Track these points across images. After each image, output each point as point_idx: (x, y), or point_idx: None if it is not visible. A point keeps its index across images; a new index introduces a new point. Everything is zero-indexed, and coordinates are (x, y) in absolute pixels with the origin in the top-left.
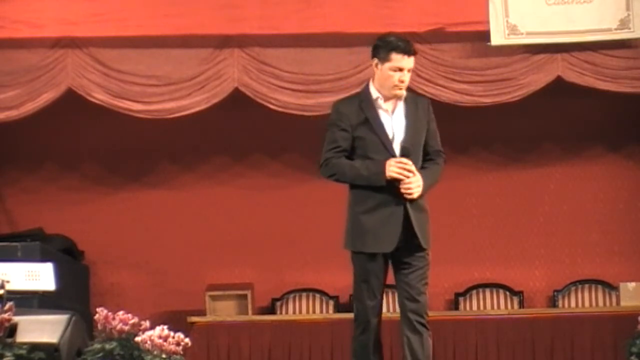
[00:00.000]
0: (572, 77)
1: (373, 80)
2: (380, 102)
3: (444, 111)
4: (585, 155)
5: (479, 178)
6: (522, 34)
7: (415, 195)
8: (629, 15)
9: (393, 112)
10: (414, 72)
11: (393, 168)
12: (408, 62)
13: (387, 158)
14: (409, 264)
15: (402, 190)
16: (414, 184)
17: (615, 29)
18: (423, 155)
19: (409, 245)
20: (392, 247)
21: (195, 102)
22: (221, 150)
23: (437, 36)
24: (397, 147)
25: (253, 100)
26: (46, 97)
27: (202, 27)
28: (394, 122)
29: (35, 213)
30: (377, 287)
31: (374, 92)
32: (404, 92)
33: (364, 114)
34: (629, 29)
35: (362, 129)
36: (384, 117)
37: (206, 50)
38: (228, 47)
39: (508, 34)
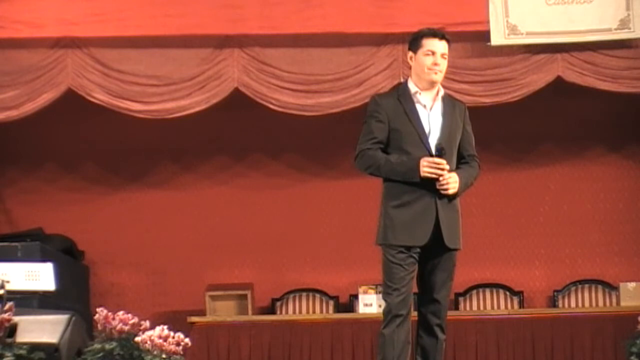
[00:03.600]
0: (572, 77)
1: (411, 76)
2: (419, 96)
3: None
4: (585, 155)
5: (479, 178)
6: (522, 34)
7: (450, 192)
8: (629, 15)
9: (431, 108)
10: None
11: (427, 168)
12: (439, 45)
13: (423, 152)
14: (435, 264)
15: (438, 187)
16: (451, 180)
17: (615, 29)
18: (458, 158)
19: (438, 245)
20: (424, 241)
21: (195, 102)
22: (221, 150)
23: None
24: (432, 143)
25: (253, 100)
26: (46, 97)
27: (202, 27)
28: (431, 118)
29: (35, 213)
30: (405, 282)
31: (412, 87)
32: (440, 79)
33: (402, 106)
34: (629, 29)
35: (399, 121)
36: (421, 111)
37: (206, 50)
38: (228, 47)
39: (508, 34)
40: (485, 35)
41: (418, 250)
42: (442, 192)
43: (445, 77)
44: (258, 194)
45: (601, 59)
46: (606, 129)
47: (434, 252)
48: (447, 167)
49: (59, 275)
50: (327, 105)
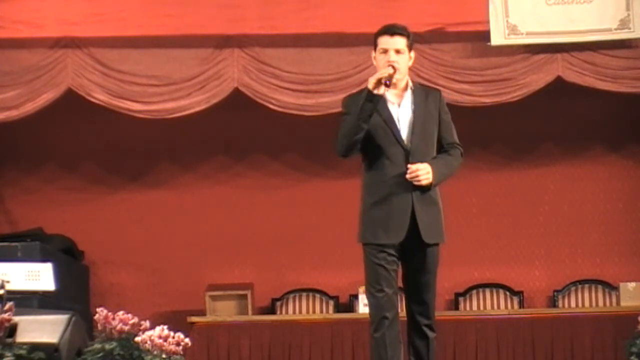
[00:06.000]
0: (572, 77)
1: None
2: (386, 94)
3: None
4: (585, 155)
5: (479, 178)
6: (522, 34)
7: (424, 182)
8: (629, 15)
9: (399, 105)
10: (414, 71)
11: (372, 78)
12: (391, 41)
13: (397, 148)
14: (417, 261)
15: (409, 177)
16: (421, 171)
17: (615, 29)
18: (438, 149)
19: (418, 240)
20: (400, 238)
21: (195, 102)
22: (221, 150)
23: (437, 36)
24: (405, 138)
25: (253, 100)
26: (46, 97)
27: (202, 27)
28: (401, 113)
29: (35, 213)
30: (388, 281)
31: None
32: (398, 77)
33: None
34: (629, 29)
35: (371, 120)
36: (391, 107)
37: (206, 50)
38: (228, 47)
39: (508, 34)
40: (485, 35)
41: (398, 247)
42: (415, 183)
43: (445, 77)
44: (258, 194)
45: (601, 59)
46: (606, 129)
47: (415, 249)
48: (397, 65)
49: (59, 275)
50: (327, 105)
